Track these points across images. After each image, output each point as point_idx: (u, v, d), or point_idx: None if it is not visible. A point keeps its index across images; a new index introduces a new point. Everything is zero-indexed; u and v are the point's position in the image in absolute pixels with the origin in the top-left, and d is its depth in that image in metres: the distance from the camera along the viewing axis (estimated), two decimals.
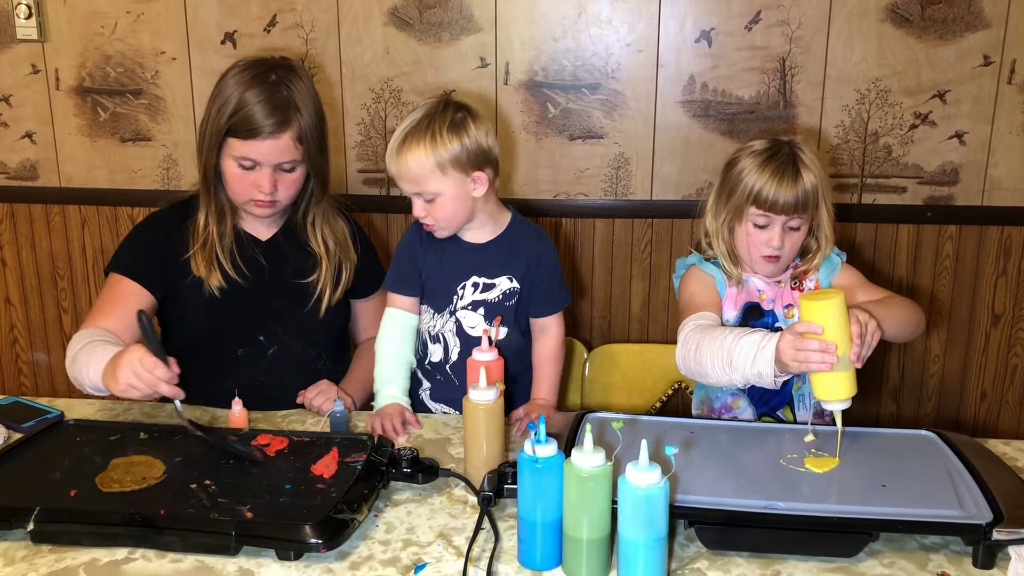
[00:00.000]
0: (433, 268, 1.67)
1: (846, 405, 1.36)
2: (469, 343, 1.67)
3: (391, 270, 1.71)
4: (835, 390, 1.35)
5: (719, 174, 1.69)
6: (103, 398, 1.59)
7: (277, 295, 1.76)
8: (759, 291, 1.67)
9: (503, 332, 1.66)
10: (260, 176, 1.64)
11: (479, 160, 1.59)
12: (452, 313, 1.67)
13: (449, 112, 1.58)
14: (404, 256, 1.69)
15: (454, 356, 1.69)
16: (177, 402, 1.43)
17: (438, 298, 1.68)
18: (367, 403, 1.76)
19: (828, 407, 1.37)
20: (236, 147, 1.63)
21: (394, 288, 1.69)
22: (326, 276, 1.76)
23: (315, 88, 1.70)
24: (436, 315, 1.69)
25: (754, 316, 1.66)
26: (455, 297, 1.67)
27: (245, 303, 1.73)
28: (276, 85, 1.63)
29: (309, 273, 1.76)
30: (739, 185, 1.61)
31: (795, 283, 1.68)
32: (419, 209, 1.61)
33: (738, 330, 1.48)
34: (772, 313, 1.66)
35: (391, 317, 1.68)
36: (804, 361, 1.32)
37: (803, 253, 1.68)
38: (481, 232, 1.67)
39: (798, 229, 1.61)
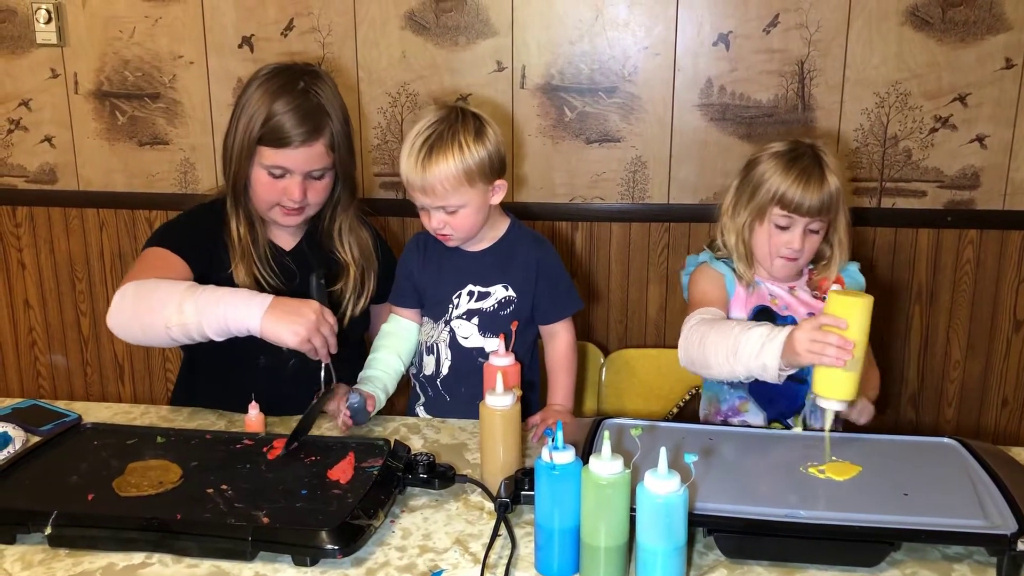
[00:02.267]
0: (432, 278, 1.67)
1: (842, 407, 1.34)
2: (461, 355, 1.65)
3: (394, 284, 1.74)
4: (838, 388, 1.32)
5: (737, 175, 1.68)
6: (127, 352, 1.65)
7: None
8: (771, 296, 1.66)
9: (494, 343, 1.57)
10: (290, 184, 1.63)
11: (500, 167, 1.58)
12: (447, 322, 1.66)
13: (470, 121, 1.55)
14: (403, 270, 1.71)
15: (445, 369, 1.67)
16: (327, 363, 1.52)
17: (436, 308, 1.67)
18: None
19: (824, 404, 1.34)
20: (267, 156, 1.62)
21: (394, 301, 1.74)
22: (352, 285, 1.76)
23: (339, 93, 1.69)
24: (433, 325, 1.68)
25: (764, 319, 1.65)
26: (450, 306, 1.65)
27: None
28: (305, 93, 1.62)
29: (334, 282, 1.75)
30: (762, 186, 1.60)
31: (814, 293, 1.67)
32: (437, 222, 1.57)
33: (747, 322, 1.47)
34: (789, 319, 1.65)
35: (392, 319, 1.73)
36: (819, 352, 1.30)
37: (816, 259, 1.67)
38: (479, 240, 1.65)
39: (817, 232, 1.61)
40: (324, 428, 1.60)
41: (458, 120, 1.54)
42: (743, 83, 2.30)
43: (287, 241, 1.77)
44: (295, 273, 1.74)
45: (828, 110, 2.29)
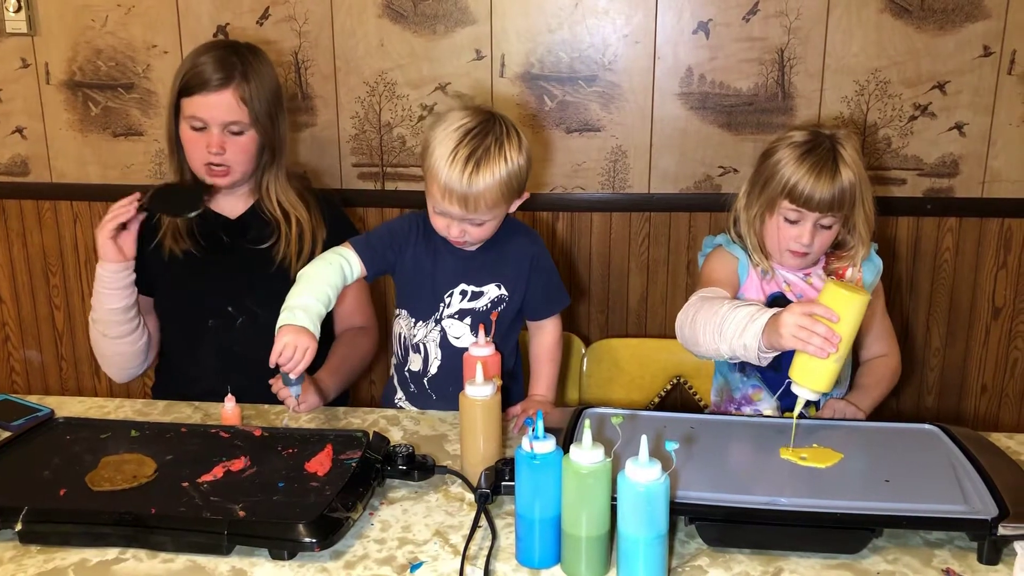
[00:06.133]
0: (425, 272, 1.61)
1: (815, 397, 1.34)
2: (452, 355, 1.62)
3: (368, 233, 1.62)
4: (814, 379, 1.31)
5: (755, 163, 1.65)
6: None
7: (239, 264, 1.81)
8: (786, 283, 1.64)
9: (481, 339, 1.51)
10: (210, 136, 1.71)
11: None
12: (437, 322, 1.62)
13: (512, 132, 1.50)
14: (390, 239, 1.60)
15: (433, 369, 1.64)
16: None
17: (423, 305, 1.62)
18: (341, 397, 1.81)
19: (797, 391, 1.33)
20: (187, 107, 1.72)
21: (358, 249, 1.56)
22: (284, 240, 1.80)
23: (275, 73, 1.80)
24: (419, 323, 1.63)
25: (780, 307, 1.64)
26: (442, 305, 1.62)
27: (207, 273, 1.81)
28: (228, 48, 1.76)
29: (268, 239, 1.80)
30: (774, 177, 1.57)
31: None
32: (458, 231, 1.52)
33: (737, 301, 1.45)
34: None
35: (347, 255, 1.54)
36: (804, 340, 1.28)
37: (837, 247, 1.65)
38: None
39: (830, 228, 1.58)
40: (302, 421, 1.58)
41: (503, 132, 1.49)
42: (723, 72, 2.29)
43: (232, 211, 1.84)
44: (222, 239, 1.82)
45: (808, 98, 2.29)
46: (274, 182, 1.81)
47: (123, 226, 1.70)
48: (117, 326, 1.75)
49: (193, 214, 1.74)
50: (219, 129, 1.71)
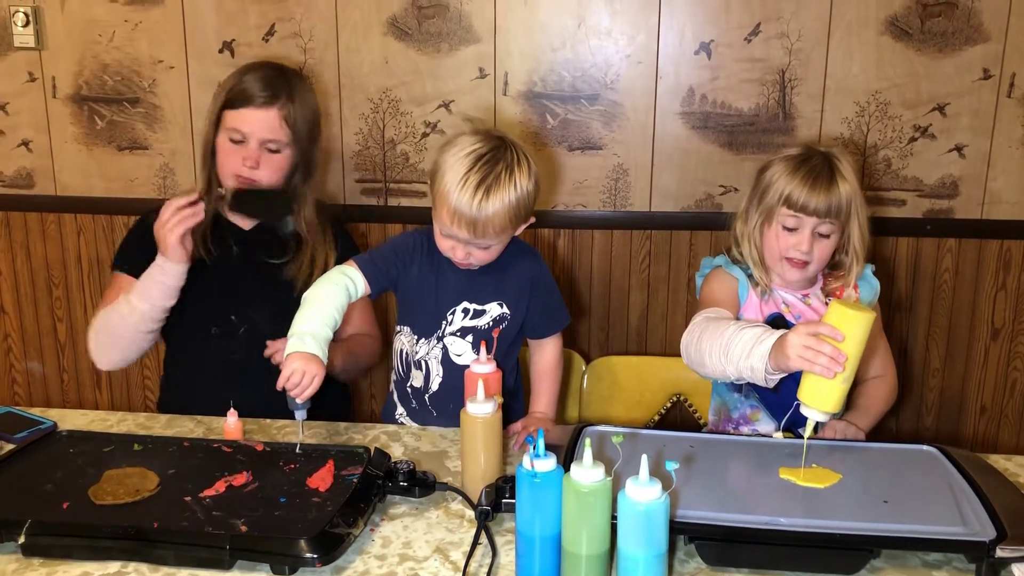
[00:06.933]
0: (428, 290, 1.62)
1: (824, 418, 1.34)
2: (453, 372, 1.62)
3: (372, 251, 1.62)
4: (824, 400, 1.32)
5: (752, 179, 1.68)
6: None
7: (245, 274, 1.83)
8: (785, 304, 1.65)
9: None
10: (247, 150, 1.74)
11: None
12: (439, 339, 1.63)
13: (523, 159, 1.51)
14: (396, 257, 1.60)
15: (435, 386, 1.65)
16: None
17: (426, 322, 1.63)
18: (343, 412, 1.86)
19: (806, 412, 1.33)
20: (229, 119, 1.75)
21: (362, 267, 1.56)
22: (297, 260, 1.82)
23: (316, 99, 1.81)
24: (421, 340, 1.64)
25: (778, 328, 1.64)
26: (444, 323, 1.62)
27: (213, 280, 1.81)
28: (276, 69, 1.80)
29: (280, 256, 1.83)
30: (772, 187, 1.60)
31: (827, 300, 1.65)
32: (463, 254, 1.53)
33: (743, 323, 1.46)
34: None
35: (351, 275, 1.54)
36: (811, 360, 1.28)
37: (834, 267, 1.67)
38: None
39: (828, 237, 1.60)
40: (304, 435, 1.58)
41: (513, 159, 1.49)
42: (724, 92, 2.30)
43: (246, 223, 1.87)
44: (232, 249, 1.84)
45: (809, 119, 2.31)
46: (299, 205, 1.83)
47: None
48: (157, 323, 1.76)
49: (287, 219, 1.79)
50: (257, 144, 1.75)
